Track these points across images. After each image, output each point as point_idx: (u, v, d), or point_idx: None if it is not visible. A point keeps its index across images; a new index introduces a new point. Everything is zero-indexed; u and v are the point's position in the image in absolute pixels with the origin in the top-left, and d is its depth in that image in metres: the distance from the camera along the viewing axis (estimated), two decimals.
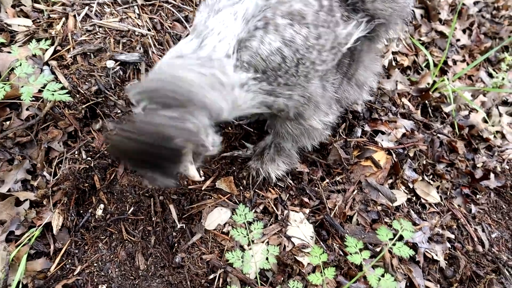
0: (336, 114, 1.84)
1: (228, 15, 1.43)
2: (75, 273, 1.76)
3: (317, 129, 1.79)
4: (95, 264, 1.80)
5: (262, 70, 1.45)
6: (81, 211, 1.89)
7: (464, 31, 3.26)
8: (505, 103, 3.01)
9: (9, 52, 2.03)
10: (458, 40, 3.17)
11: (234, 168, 2.04)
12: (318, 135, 1.87)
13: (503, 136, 2.81)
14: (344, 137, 2.27)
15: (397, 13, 1.72)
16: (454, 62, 3.03)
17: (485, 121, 2.79)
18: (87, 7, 2.19)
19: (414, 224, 2.11)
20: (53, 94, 1.84)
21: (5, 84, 1.84)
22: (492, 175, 2.50)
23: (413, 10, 3.08)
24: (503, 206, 2.47)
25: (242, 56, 1.41)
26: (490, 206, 2.42)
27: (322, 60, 1.53)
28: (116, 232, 1.86)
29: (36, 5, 2.22)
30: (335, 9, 1.54)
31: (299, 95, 1.59)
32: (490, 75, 3.13)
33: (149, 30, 2.24)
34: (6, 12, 2.18)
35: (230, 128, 2.18)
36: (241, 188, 1.99)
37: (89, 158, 1.95)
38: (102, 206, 1.90)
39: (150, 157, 1.18)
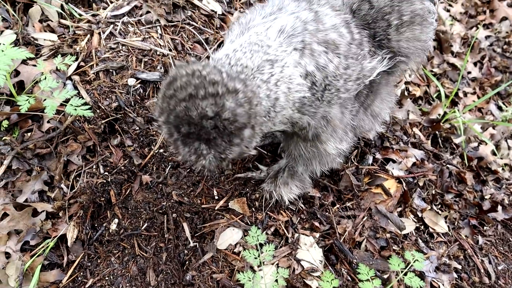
0: (350, 143, 1.89)
1: (263, 30, 1.50)
2: (87, 286, 1.79)
3: (330, 154, 1.83)
4: (107, 278, 1.82)
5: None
6: (96, 225, 1.92)
7: (475, 64, 3.32)
8: None
9: (35, 65, 2.09)
10: (469, 72, 3.23)
11: (247, 189, 2.07)
12: (330, 161, 1.90)
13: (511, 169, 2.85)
14: (356, 164, 2.31)
15: (419, 51, 1.81)
16: (465, 94, 3.09)
17: (494, 154, 2.82)
18: (112, 26, 2.26)
19: (422, 253, 2.13)
20: (75, 109, 1.90)
21: (29, 97, 1.90)
22: (499, 208, 2.52)
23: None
24: (510, 238, 2.48)
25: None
26: (497, 238, 2.44)
27: (346, 89, 1.62)
28: (128, 247, 1.89)
29: (62, 20, 2.29)
30: (364, 43, 1.65)
31: (322, 116, 1.65)
32: (500, 108, 3.18)
33: (170, 50, 2.31)
34: (34, 27, 2.26)
35: None
36: (253, 209, 2.02)
37: (106, 173, 1.99)
38: (116, 220, 1.93)
39: (210, 128, 1.17)
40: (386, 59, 1.72)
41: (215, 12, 2.52)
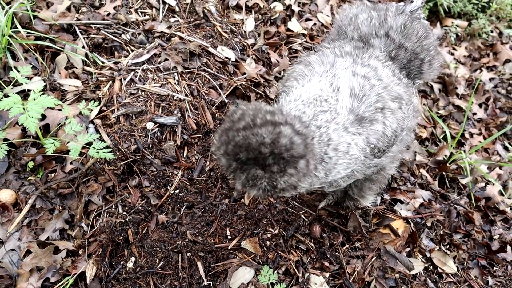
0: (396, 165, 2.08)
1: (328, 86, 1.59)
2: None
3: (387, 177, 2.08)
4: None
5: (382, 150, 1.64)
6: (114, 263, 2.00)
7: (480, 105, 3.41)
8: None
9: (60, 110, 2.23)
10: (474, 114, 3.32)
11: (259, 229, 2.14)
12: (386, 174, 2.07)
13: None
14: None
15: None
16: (471, 135, 3.16)
17: (502, 194, 2.86)
18: (132, 72, 2.42)
19: None
20: (98, 152, 2.01)
21: (55, 139, 2.03)
22: (509, 248, 2.54)
23: (431, 85, 3.27)
24: None
25: (369, 138, 1.56)
26: (507, 279, 2.45)
27: (404, 127, 1.76)
28: (144, 285, 1.95)
29: (86, 68, 2.45)
30: (409, 85, 1.87)
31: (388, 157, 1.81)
32: (506, 149, 3.24)
33: (186, 95, 2.44)
34: (60, 73, 2.42)
35: None
36: (265, 249, 2.09)
37: (125, 213, 2.09)
38: (133, 259, 2.01)
39: (267, 154, 1.20)
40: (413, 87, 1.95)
41: (229, 59, 2.67)
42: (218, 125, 2.46)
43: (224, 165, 1.29)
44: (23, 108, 1.87)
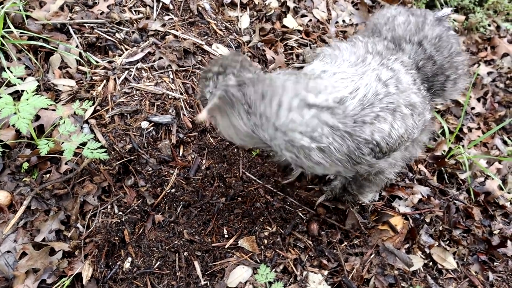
0: (400, 167, 2.08)
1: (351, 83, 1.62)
2: None
3: (386, 180, 2.07)
4: None
5: (384, 151, 1.65)
6: (110, 263, 1.98)
7: (478, 99, 3.39)
8: None
9: (54, 110, 2.21)
10: (473, 108, 3.30)
11: (256, 227, 2.13)
12: (377, 184, 2.12)
13: None
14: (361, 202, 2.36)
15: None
16: (470, 129, 3.14)
17: (501, 188, 2.84)
18: (126, 71, 2.40)
19: None
20: (92, 152, 1.99)
21: (49, 140, 2.01)
22: (509, 243, 2.52)
23: None
24: None
25: (373, 135, 1.58)
26: (508, 274, 2.43)
27: (410, 137, 1.77)
28: (141, 285, 1.93)
29: (80, 67, 2.43)
30: (427, 98, 1.84)
31: (389, 162, 1.82)
32: (505, 143, 3.22)
33: (181, 94, 2.42)
34: (54, 73, 2.40)
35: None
36: (262, 247, 2.07)
37: (121, 213, 2.07)
38: (130, 259, 1.99)
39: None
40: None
41: None
42: (213, 124, 2.45)
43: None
44: (15, 109, 1.85)
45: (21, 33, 2.35)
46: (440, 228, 2.42)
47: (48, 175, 2.12)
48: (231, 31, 2.85)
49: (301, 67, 2.84)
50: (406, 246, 2.29)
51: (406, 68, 1.77)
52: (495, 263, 2.43)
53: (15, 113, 1.85)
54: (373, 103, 1.57)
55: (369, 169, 1.75)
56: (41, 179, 2.11)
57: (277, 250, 2.07)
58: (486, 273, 2.36)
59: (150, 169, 2.21)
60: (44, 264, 1.91)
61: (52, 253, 1.95)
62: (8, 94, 1.97)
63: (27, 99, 1.90)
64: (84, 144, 2.04)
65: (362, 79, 1.62)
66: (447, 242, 2.42)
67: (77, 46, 2.46)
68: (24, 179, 2.09)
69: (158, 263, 1.99)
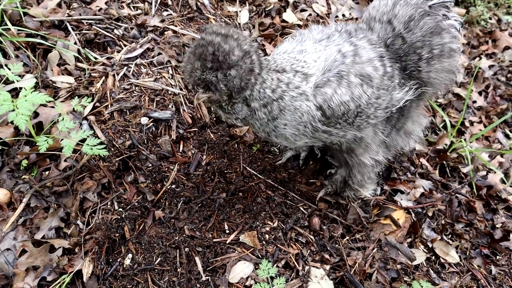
0: (385, 156, 2.13)
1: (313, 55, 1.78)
2: None
3: (366, 165, 2.07)
4: None
5: (327, 116, 1.72)
6: (110, 260, 1.97)
7: (480, 93, 3.37)
8: None
9: (53, 107, 2.20)
10: (474, 102, 3.28)
11: (257, 223, 2.11)
12: (367, 171, 2.12)
13: None
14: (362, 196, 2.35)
15: (446, 81, 2.03)
16: (471, 123, 3.13)
17: (503, 182, 2.83)
18: (125, 67, 2.38)
19: (434, 284, 2.13)
20: (91, 149, 1.98)
21: (48, 137, 2.00)
22: (511, 236, 2.51)
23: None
24: None
25: (316, 98, 1.71)
26: (510, 268, 2.41)
27: (375, 116, 1.82)
28: (142, 281, 1.92)
29: (79, 64, 2.42)
30: (395, 76, 1.85)
31: (351, 136, 1.87)
32: (507, 136, 3.20)
33: (180, 89, 2.41)
34: (52, 70, 2.39)
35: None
36: (263, 242, 2.06)
37: (121, 209, 2.06)
38: (130, 255, 1.98)
39: (210, 55, 1.51)
40: (413, 89, 1.91)
41: None
42: (213, 119, 2.43)
43: (183, 57, 1.59)
44: (13, 106, 1.84)
45: (18, 30, 2.33)
46: (443, 222, 2.41)
47: (47, 172, 2.11)
48: (230, 26, 2.84)
49: None
50: (409, 240, 2.28)
51: (373, 45, 1.83)
52: (497, 257, 2.42)
53: (13, 110, 1.84)
54: (330, 70, 1.71)
55: (327, 137, 1.83)
56: (40, 176, 2.10)
57: (279, 245, 2.06)
58: (489, 266, 2.35)
59: (150, 165, 2.19)
60: (44, 261, 1.90)
61: (52, 250, 1.94)
62: (6, 91, 1.95)
63: (26, 96, 1.89)
64: (83, 140, 2.03)
65: (325, 50, 1.77)
66: (450, 236, 2.40)
67: (75, 43, 2.44)
68: (23, 177, 2.08)
69: (159, 259, 1.98)
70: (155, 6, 2.73)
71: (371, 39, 1.85)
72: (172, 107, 2.33)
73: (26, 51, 2.33)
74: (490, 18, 3.86)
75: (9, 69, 2.06)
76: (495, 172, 2.81)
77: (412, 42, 1.87)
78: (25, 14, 2.39)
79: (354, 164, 2.07)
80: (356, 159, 2.02)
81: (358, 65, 1.73)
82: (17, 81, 2.10)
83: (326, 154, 2.47)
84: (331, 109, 1.71)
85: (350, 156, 2.03)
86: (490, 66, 3.56)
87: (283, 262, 2.02)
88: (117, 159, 2.15)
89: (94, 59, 2.44)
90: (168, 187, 2.16)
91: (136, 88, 2.34)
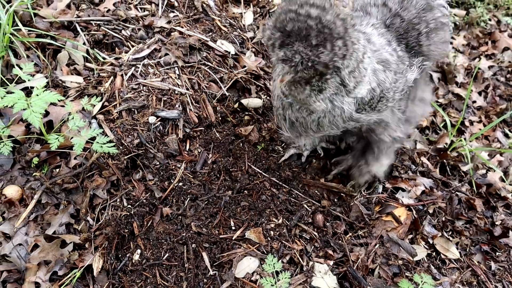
0: (405, 131, 2.22)
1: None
2: None
3: (385, 141, 2.15)
4: None
5: (358, 103, 1.79)
6: (120, 255, 2.03)
7: (480, 93, 3.43)
8: None
9: (63, 106, 2.25)
10: (474, 101, 3.33)
11: (262, 219, 2.17)
12: (386, 147, 2.21)
13: None
14: (364, 194, 2.40)
15: (443, 51, 2.20)
16: (471, 122, 3.18)
17: (503, 180, 2.88)
18: (133, 68, 2.43)
19: (434, 279, 2.18)
20: (101, 147, 2.04)
21: (58, 135, 2.05)
22: (511, 233, 2.55)
23: (431, 74, 3.28)
24: None
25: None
26: (510, 264, 2.47)
27: (393, 99, 1.90)
28: (151, 276, 1.98)
29: (88, 64, 2.47)
30: (405, 59, 1.94)
31: (374, 120, 1.94)
32: (506, 135, 3.26)
33: (187, 89, 2.46)
34: (61, 70, 2.44)
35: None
36: (269, 238, 2.11)
37: (130, 206, 2.11)
38: (139, 251, 2.03)
39: (312, 29, 1.39)
40: (419, 67, 2.01)
41: (229, 53, 2.69)
42: (219, 118, 2.49)
43: (267, 37, 1.45)
44: (27, 104, 1.89)
45: (29, 31, 2.39)
46: (443, 219, 2.46)
47: (57, 170, 2.16)
48: (235, 27, 2.89)
49: None
50: (410, 236, 2.33)
51: (377, 29, 1.90)
52: (497, 253, 2.47)
53: (25, 109, 1.89)
54: None
55: (354, 124, 1.89)
56: (51, 174, 2.15)
57: (283, 241, 2.11)
58: (489, 262, 2.40)
59: (158, 163, 2.25)
60: (55, 256, 1.95)
61: (63, 245, 1.99)
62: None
63: (38, 95, 1.94)
64: (92, 139, 2.08)
65: None
66: (450, 232, 2.46)
67: (84, 43, 2.49)
68: (34, 174, 2.13)
69: (167, 255, 2.03)
70: (162, 7, 2.78)
71: (373, 23, 1.92)
72: (179, 106, 2.38)
73: (37, 51, 2.38)
74: (489, 20, 3.92)
75: (21, 68, 2.11)
76: (494, 171, 2.87)
77: (409, 19, 1.98)
78: (35, 15, 2.45)
79: (373, 140, 2.16)
80: (376, 137, 2.11)
81: (376, 52, 1.77)
82: (28, 80, 2.15)
83: (328, 154, 2.52)
84: (362, 98, 1.77)
85: (369, 135, 2.12)
86: (490, 67, 3.61)
87: (287, 257, 2.08)
88: (126, 157, 2.20)
89: (102, 60, 2.49)
90: (175, 185, 2.22)
91: (144, 88, 2.39)
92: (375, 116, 1.90)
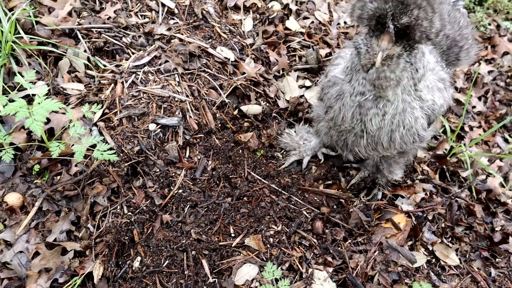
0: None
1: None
2: None
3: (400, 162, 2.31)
4: None
5: (429, 118, 1.89)
6: (120, 262, 2.04)
7: (479, 98, 3.43)
8: None
9: (64, 113, 2.27)
10: (474, 107, 3.34)
11: (262, 226, 2.18)
12: (401, 162, 2.35)
13: None
14: (364, 200, 2.40)
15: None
16: (471, 128, 3.18)
17: (503, 186, 2.88)
18: (133, 75, 2.45)
19: (434, 285, 2.18)
20: (102, 154, 2.05)
21: (60, 143, 2.07)
22: (511, 239, 2.55)
23: None
24: None
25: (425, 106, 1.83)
26: (510, 270, 2.46)
27: (444, 109, 2.00)
28: (151, 283, 1.99)
29: (88, 71, 2.49)
30: (450, 73, 2.05)
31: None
32: (506, 141, 3.26)
33: (187, 96, 2.48)
34: (63, 77, 2.46)
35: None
36: (268, 246, 2.12)
37: (130, 213, 2.13)
38: (139, 258, 2.05)
39: None
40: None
41: (228, 59, 2.70)
42: (219, 125, 2.50)
43: (372, 8, 1.43)
44: (29, 112, 1.90)
45: (31, 38, 2.41)
46: (443, 225, 2.47)
47: (58, 177, 2.17)
48: (234, 34, 2.91)
49: (304, 69, 2.90)
50: (409, 243, 2.33)
51: (427, 47, 1.91)
52: (497, 259, 2.47)
53: (27, 117, 1.91)
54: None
55: (418, 144, 2.00)
56: (52, 181, 2.17)
57: (283, 248, 2.12)
58: (488, 269, 2.40)
59: (158, 170, 2.26)
60: (56, 263, 1.96)
61: (64, 253, 2.00)
62: (20, 98, 2.02)
63: (39, 103, 1.96)
64: (93, 146, 2.09)
65: None
66: (450, 239, 2.46)
67: (85, 51, 2.51)
68: (35, 181, 2.15)
69: (167, 262, 2.04)
70: (162, 14, 2.80)
71: None
72: (179, 113, 2.39)
73: (38, 58, 2.40)
74: (489, 24, 3.93)
75: (23, 76, 2.13)
76: (494, 176, 2.87)
77: (453, 37, 2.06)
78: (37, 22, 2.47)
79: (412, 151, 2.23)
80: (416, 146, 2.15)
81: (434, 71, 1.85)
82: (30, 88, 2.16)
83: (328, 159, 2.54)
84: (433, 114, 1.89)
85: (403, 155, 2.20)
86: (489, 72, 3.62)
87: (287, 264, 2.09)
88: (126, 164, 2.22)
89: (103, 67, 2.51)
90: (175, 192, 2.23)
91: (144, 95, 2.40)
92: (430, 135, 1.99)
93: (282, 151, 2.53)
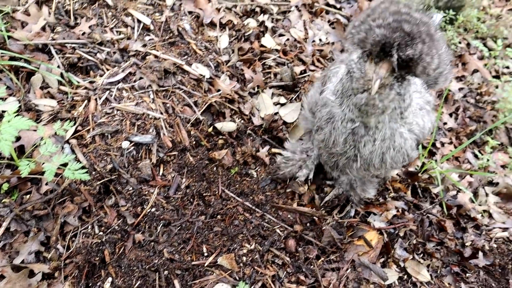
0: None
1: None
2: None
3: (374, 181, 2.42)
4: None
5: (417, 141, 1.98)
6: (90, 284, 2.00)
7: (450, 115, 3.52)
8: (490, 183, 3.19)
9: (35, 130, 2.23)
10: (445, 123, 3.42)
11: (235, 245, 2.18)
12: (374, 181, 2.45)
13: (490, 215, 2.96)
14: (336, 218, 2.43)
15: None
16: (442, 144, 3.26)
17: (472, 201, 2.95)
18: (107, 92, 2.44)
19: None
20: (73, 173, 2.02)
21: (30, 161, 2.03)
22: (480, 254, 2.61)
23: None
24: (493, 284, 2.56)
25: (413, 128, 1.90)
26: (479, 285, 2.51)
27: (430, 131, 2.10)
28: None
29: (61, 87, 2.46)
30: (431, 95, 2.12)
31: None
32: (476, 156, 3.34)
33: (161, 113, 2.47)
34: (35, 93, 2.42)
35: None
36: (241, 264, 2.12)
37: (101, 233, 2.10)
38: (110, 279, 2.02)
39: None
40: None
41: (204, 76, 2.71)
42: (193, 142, 2.50)
43: (378, 35, 1.43)
44: None
45: (2, 53, 2.37)
46: (414, 241, 2.51)
47: (28, 196, 2.13)
48: (210, 50, 2.92)
49: (279, 86, 2.93)
50: (381, 260, 2.36)
51: None
52: (467, 274, 2.52)
53: None
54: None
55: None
56: (21, 200, 2.12)
57: (256, 267, 2.13)
58: (459, 284, 2.45)
59: (131, 188, 2.24)
60: (23, 287, 1.92)
61: (32, 275, 1.96)
62: None
63: (9, 121, 1.93)
64: (65, 164, 2.06)
65: None
66: (421, 255, 2.50)
67: (58, 66, 2.49)
68: (3, 200, 2.10)
69: (139, 282, 2.02)
70: (138, 31, 2.80)
71: None
72: (152, 131, 2.38)
73: (9, 74, 2.36)
74: (459, 42, 4.04)
75: None
76: (464, 192, 2.94)
77: None
78: (9, 37, 2.43)
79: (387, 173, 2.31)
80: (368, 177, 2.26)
81: (421, 93, 1.95)
82: (0, 104, 2.13)
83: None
84: (422, 134, 1.98)
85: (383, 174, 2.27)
86: (460, 89, 3.72)
87: (260, 283, 2.09)
88: (98, 182, 2.19)
89: (76, 83, 2.48)
90: (148, 211, 2.21)
91: (118, 112, 2.39)
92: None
93: (256, 168, 2.54)
